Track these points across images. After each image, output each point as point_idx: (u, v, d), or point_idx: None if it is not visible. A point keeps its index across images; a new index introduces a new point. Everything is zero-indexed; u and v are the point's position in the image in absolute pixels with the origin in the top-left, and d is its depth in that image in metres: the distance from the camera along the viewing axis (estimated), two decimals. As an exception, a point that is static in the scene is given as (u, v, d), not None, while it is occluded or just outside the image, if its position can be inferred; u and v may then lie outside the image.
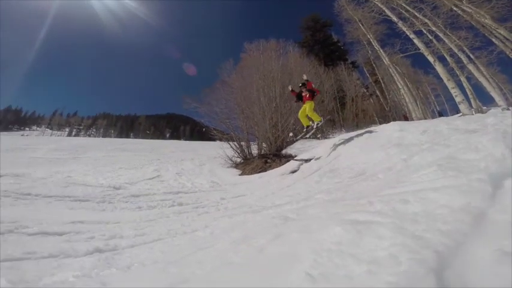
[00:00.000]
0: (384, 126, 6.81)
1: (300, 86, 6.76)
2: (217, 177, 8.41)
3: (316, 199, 3.10)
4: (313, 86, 6.82)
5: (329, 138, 14.30)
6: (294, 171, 6.59)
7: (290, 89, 7.12)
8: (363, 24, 18.45)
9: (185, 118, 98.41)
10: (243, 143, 12.61)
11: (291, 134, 9.94)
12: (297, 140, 10.21)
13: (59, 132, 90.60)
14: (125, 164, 9.36)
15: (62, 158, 11.62)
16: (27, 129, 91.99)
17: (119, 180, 6.52)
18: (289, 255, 1.52)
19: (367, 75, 23.88)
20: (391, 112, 20.81)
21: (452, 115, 16.78)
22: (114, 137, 73.33)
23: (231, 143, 12.41)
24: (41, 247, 2.18)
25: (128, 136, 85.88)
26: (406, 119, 16.96)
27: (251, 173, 9.04)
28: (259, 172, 8.62)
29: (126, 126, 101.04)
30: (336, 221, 1.75)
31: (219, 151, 11.52)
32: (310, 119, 6.80)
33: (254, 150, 12.78)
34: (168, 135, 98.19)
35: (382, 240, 1.37)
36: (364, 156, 4.98)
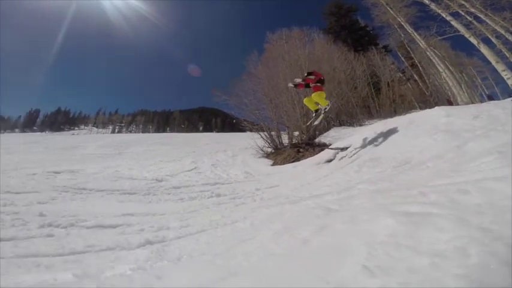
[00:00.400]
0: (427, 111, 6.27)
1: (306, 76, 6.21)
2: (250, 168, 8.50)
3: (358, 189, 2.97)
4: (312, 76, 6.09)
5: (365, 125, 13.63)
6: (329, 161, 6.40)
7: (292, 85, 6.46)
8: (391, 8, 17.45)
9: (216, 111, 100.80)
10: (273, 133, 12.58)
11: (296, 133, 9.57)
12: (309, 125, 9.81)
13: (103, 130, 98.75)
14: (165, 157, 9.91)
15: (109, 153, 12.67)
16: (76, 128, 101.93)
17: (160, 173, 6.89)
18: (337, 247, 1.48)
19: (402, 59, 22.30)
20: (432, 97, 19.19)
21: (504, 99, 15.00)
22: (153, 132, 78.02)
23: (261, 133, 12.45)
24: (99, 240, 2.37)
25: (164, 131, 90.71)
26: (450, 103, 15.56)
27: (283, 163, 8.99)
28: (292, 162, 8.53)
29: (163, 121, 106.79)
30: (387, 213, 1.66)
31: (250, 142, 11.64)
32: (318, 104, 6.37)
33: (285, 139, 12.71)
34: (201, 128, 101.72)
35: (443, 233, 1.28)
36: (408, 144, 4.66)
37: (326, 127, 12.55)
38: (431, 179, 2.29)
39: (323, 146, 8.48)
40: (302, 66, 12.10)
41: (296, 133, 11.70)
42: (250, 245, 2.01)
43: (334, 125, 15.14)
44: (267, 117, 12.94)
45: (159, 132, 79.18)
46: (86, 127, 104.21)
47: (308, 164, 7.02)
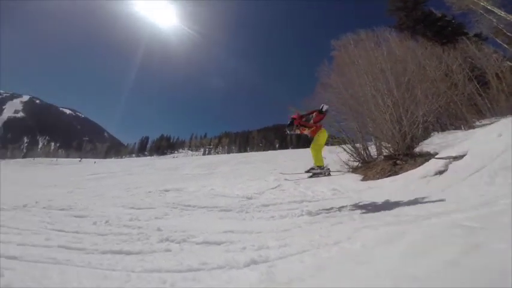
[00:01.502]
0: None
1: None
2: (337, 184, 7.97)
3: (504, 204, 2.37)
4: (291, 126, 5.19)
5: (477, 126, 11.03)
6: (440, 172, 5.31)
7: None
8: (468, -9, 15.03)
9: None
10: (357, 145, 11.63)
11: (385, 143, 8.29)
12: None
13: (196, 152, 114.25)
14: (250, 176, 10.42)
15: (202, 173, 14.27)
16: (176, 152, 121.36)
17: (249, 191, 7.20)
18: (505, 268, 1.25)
19: (505, 45, 18.60)
20: None
21: None
22: (236, 152, 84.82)
23: (343, 146, 11.65)
24: (209, 257, 2.43)
25: (245, 150, 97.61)
26: None
27: (376, 178, 8.05)
28: (388, 176, 7.52)
29: (243, 141, 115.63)
30: None
31: (332, 156, 10.97)
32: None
33: (373, 151, 11.52)
34: (277, 145, 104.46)
35: None
36: None
37: (424, 134, 10.70)
38: None
39: (427, 156, 7.16)
40: (383, 68, 10.93)
41: (384, 143, 10.41)
42: (371, 268, 1.75)
43: (434, 130, 12.84)
44: (349, 128, 12.09)
45: (240, 152, 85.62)
46: (182, 150, 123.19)
47: (411, 178, 6.01)
